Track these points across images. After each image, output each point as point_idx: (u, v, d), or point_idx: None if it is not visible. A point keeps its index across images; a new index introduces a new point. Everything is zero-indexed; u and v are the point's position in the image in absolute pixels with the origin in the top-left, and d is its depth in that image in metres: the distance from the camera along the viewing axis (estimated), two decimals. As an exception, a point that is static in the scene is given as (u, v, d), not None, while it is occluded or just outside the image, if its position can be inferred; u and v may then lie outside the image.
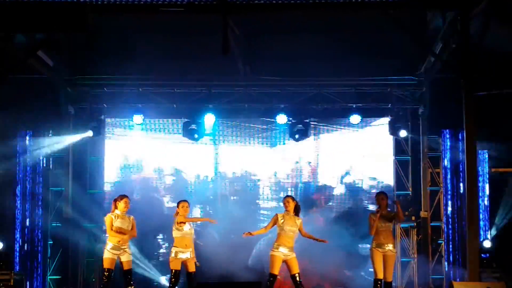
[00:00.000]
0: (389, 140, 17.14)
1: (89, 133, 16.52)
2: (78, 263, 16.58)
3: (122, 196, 12.67)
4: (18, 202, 16.67)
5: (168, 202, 17.66)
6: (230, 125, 17.70)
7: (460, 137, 16.51)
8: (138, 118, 16.55)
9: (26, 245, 16.65)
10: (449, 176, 16.85)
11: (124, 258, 12.40)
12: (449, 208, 16.73)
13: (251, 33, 15.18)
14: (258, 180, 17.85)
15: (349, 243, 16.12)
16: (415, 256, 16.63)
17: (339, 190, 17.54)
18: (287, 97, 16.66)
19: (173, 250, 12.43)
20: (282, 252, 12.25)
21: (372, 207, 16.84)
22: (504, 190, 16.74)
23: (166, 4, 13.19)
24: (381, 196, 12.71)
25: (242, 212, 17.15)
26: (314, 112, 16.81)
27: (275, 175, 17.85)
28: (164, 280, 16.68)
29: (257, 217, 17.47)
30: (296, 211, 12.51)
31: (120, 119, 17.51)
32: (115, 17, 14.47)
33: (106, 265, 12.38)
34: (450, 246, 16.62)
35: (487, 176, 16.79)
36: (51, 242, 16.68)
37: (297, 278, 12.27)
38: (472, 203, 13.06)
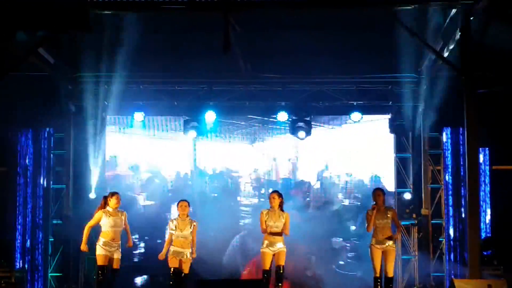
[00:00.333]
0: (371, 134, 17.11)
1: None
2: (79, 260, 16.57)
3: (113, 193, 12.82)
4: (19, 199, 16.66)
5: (145, 200, 17.61)
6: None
7: (461, 135, 16.52)
8: (139, 116, 16.55)
9: (27, 242, 16.66)
10: (450, 174, 16.84)
11: (116, 255, 12.52)
12: (450, 206, 16.72)
13: (252, 30, 15.14)
14: (239, 177, 17.80)
15: (323, 237, 16.15)
16: (416, 253, 16.63)
17: (316, 185, 17.60)
18: (288, 95, 16.66)
19: (171, 248, 12.52)
20: (269, 248, 12.41)
21: (347, 202, 17.00)
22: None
23: (167, 2, 13.21)
24: (378, 192, 12.74)
25: (222, 209, 17.13)
26: (315, 109, 16.80)
27: (255, 172, 17.80)
28: (139, 281, 16.67)
29: (237, 214, 17.34)
30: (281, 207, 12.61)
31: (121, 117, 17.53)
32: (117, 15, 14.47)
33: (99, 262, 12.56)
34: (451, 243, 16.61)
35: (488, 174, 16.78)
36: (52, 239, 16.70)
37: (280, 270, 12.42)
38: (473, 201, 13.08)
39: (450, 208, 16.70)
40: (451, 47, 14.08)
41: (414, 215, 16.71)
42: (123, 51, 16.01)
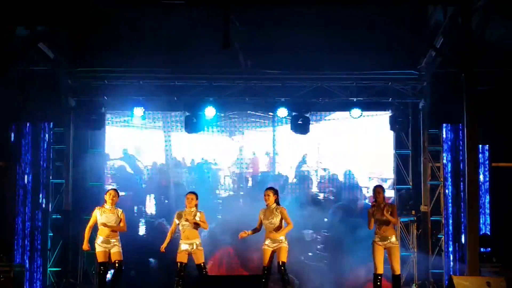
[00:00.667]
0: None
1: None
2: (78, 255, 16.57)
3: (108, 190, 12.85)
4: (18, 194, 16.67)
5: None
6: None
7: (460, 131, 16.52)
8: (138, 111, 16.55)
9: (26, 237, 16.67)
10: (449, 171, 16.84)
11: (115, 250, 12.55)
12: (449, 203, 16.72)
13: (252, 26, 15.15)
14: (218, 169, 17.73)
15: (294, 229, 16.25)
16: (415, 250, 16.63)
17: (293, 179, 17.61)
18: (288, 91, 16.65)
19: (180, 243, 12.56)
20: (268, 244, 12.44)
21: (322, 196, 17.11)
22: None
23: (167, -3, 13.20)
24: (378, 189, 12.75)
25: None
26: (314, 105, 16.80)
27: (234, 165, 17.73)
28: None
29: (215, 207, 17.26)
30: (277, 202, 12.62)
31: (120, 112, 17.53)
32: (116, 10, 14.47)
33: (99, 259, 12.63)
34: (450, 240, 16.62)
35: (488, 171, 16.78)
36: (51, 234, 16.71)
37: (281, 267, 12.38)
38: (472, 198, 13.09)
39: (449, 205, 16.71)
40: (451, 44, 14.06)
41: (413, 212, 16.73)
42: (123, 46, 16.04)
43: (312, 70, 16.43)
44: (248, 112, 17.40)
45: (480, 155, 16.37)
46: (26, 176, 16.83)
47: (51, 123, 16.95)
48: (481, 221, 16.06)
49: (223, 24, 12.61)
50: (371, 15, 14.73)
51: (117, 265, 12.60)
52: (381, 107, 17.03)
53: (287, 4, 14.28)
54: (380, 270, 12.59)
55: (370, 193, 17.00)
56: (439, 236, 16.67)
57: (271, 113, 17.29)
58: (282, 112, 16.52)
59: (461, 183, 16.52)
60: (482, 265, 13.59)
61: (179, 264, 12.51)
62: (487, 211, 16.69)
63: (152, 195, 17.45)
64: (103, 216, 12.64)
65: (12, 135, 16.82)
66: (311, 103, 16.71)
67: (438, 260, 16.48)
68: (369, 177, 17.41)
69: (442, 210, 16.75)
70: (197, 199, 12.79)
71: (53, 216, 16.75)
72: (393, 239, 12.49)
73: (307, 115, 16.56)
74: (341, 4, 14.27)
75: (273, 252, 12.47)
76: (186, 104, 16.69)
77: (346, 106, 16.74)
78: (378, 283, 12.56)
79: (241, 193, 17.55)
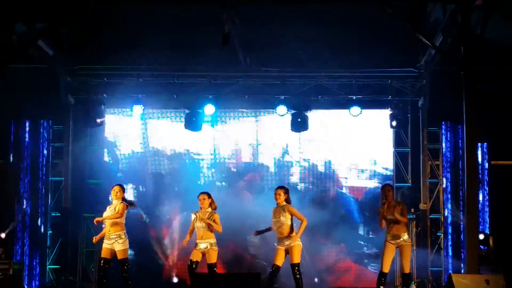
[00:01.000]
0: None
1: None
2: (77, 252, 16.59)
3: (113, 186, 12.89)
4: (17, 191, 16.67)
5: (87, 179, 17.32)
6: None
7: (460, 130, 16.52)
8: (138, 109, 16.53)
9: (25, 234, 16.67)
10: (448, 169, 16.86)
11: (117, 247, 12.56)
12: (449, 201, 16.73)
13: (252, 24, 15.14)
14: (200, 159, 17.63)
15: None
16: (414, 248, 16.60)
17: (273, 169, 17.59)
18: (288, 89, 16.65)
19: (196, 241, 12.66)
20: (280, 244, 12.40)
21: (302, 185, 17.12)
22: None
23: (167, -6, 13.20)
24: (387, 187, 12.84)
25: (178, 192, 17.14)
26: (314, 103, 16.78)
27: (217, 155, 17.60)
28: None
29: (196, 198, 17.21)
30: (288, 201, 12.60)
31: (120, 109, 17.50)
32: (116, 8, 14.47)
33: (101, 254, 12.63)
34: (449, 238, 16.63)
35: (487, 169, 16.78)
36: (51, 231, 16.71)
37: (296, 269, 12.31)
38: (472, 196, 13.09)
39: (449, 203, 16.72)
40: (451, 41, 14.06)
41: (412, 210, 16.71)
42: (123, 44, 16.03)
43: (312, 68, 16.42)
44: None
45: (479, 153, 16.37)
46: (25, 174, 16.83)
47: (50, 121, 16.97)
48: (480, 219, 16.05)
49: (222, 21, 12.61)
50: (371, 13, 14.72)
51: (123, 265, 12.65)
52: (380, 105, 17.00)
53: (286, 2, 14.28)
54: (386, 269, 12.65)
55: (350, 183, 17.34)
56: (438, 234, 16.68)
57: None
58: (282, 110, 16.50)
59: (460, 181, 16.53)
60: (481, 262, 13.58)
61: (190, 262, 12.60)
62: (486, 209, 16.69)
63: (130, 185, 17.33)
64: (107, 211, 12.72)
65: (11, 132, 16.82)
66: (310, 101, 16.71)
67: (437, 258, 16.48)
68: (349, 168, 17.42)
69: (441, 208, 16.75)
70: (209, 198, 12.82)
71: (52, 214, 16.75)
72: (406, 237, 12.58)
73: (307, 113, 16.55)
74: (341, 2, 14.27)
75: (286, 251, 12.42)
76: (185, 102, 16.67)
77: (345, 104, 16.72)
78: (383, 280, 12.60)
79: (223, 183, 17.49)
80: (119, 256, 12.64)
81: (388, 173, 17.35)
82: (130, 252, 13.65)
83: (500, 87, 16.17)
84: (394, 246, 12.57)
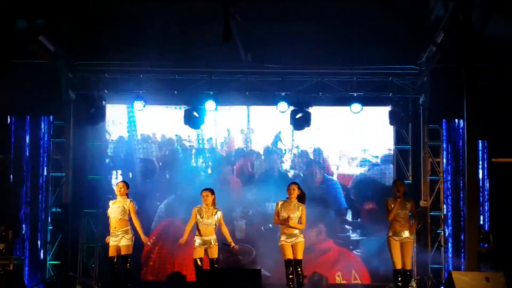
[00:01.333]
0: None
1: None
2: (77, 248, 16.61)
3: (117, 182, 12.94)
4: (18, 187, 16.67)
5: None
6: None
7: (460, 127, 16.52)
8: (138, 105, 16.52)
9: (26, 230, 16.69)
10: (449, 166, 16.86)
11: (123, 242, 12.59)
12: (449, 198, 16.74)
13: (253, 20, 15.14)
14: (192, 146, 17.60)
15: (259, 202, 16.56)
16: (414, 245, 16.60)
17: (264, 156, 17.62)
18: (288, 85, 16.64)
19: (196, 239, 12.68)
20: (285, 239, 12.44)
21: (293, 172, 17.15)
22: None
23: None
24: (400, 182, 12.92)
25: (170, 179, 17.20)
26: (315, 100, 16.77)
27: (208, 142, 17.57)
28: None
29: (187, 186, 17.09)
30: (299, 199, 12.63)
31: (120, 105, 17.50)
32: (116, 4, 14.46)
33: (109, 253, 12.68)
34: (450, 235, 16.64)
35: (487, 166, 16.78)
36: (51, 227, 16.72)
37: (298, 266, 12.36)
38: (472, 193, 13.10)
39: (449, 200, 16.72)
40: (452, 39, 14.05)
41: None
42: (124, 40, 16.02)
43: (313, 64, 16.42)
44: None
45: (480, 151, 16.38)
46: (25, 169, 16.84)
47: (51, 116, 16.97)
48: (480, 217, 16.07)
49: (223, 17, 12.59)
50: (372, 10, 14.72)
51: (126, 261, 12.69)
52: (381, 102, 17.00)
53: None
54: (399, 266, 12.71)
55: (341, 171, 17.42)
56: (438, 231, 16.68)
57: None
58: (282, 106, 16.50)
59: (461, 178, 16.54)
60: (481, 260, 13.60)
61: (196, 260, 12.66)
62: (486, 206, 16.70)
63: (119, 171, 17.32)
64: (111, 207, 12.77)
65: (12, 128, 16.82)
66: (311, 98, 16.70)
67: (437, 255, 16.48)
68: (339, 156, 17.47)
69: (442, 205, 16.76)
70: (212, 194, 12.86)
71: (53, 210, 16.75)
72: (408, 234, 12.62)
73: (307, 109, 16.54)
74: (342, -1, 14.31)
75: (292, 246, 12.49)
76: (186, 98, 16.66)
77: (346, 101, 16.71)
78: (400, 278, 12.65)
79: (212, 170, 17.49)
80: (124, 252, 12.69)
81: (378, 161, 17.41)
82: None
83: (501, 84, 16.17)
84: (398, 242, 12.61)
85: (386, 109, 16.72)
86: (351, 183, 17.50)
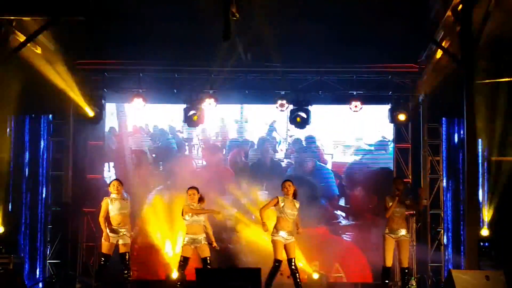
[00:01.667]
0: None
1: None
2: (77, 247, 16.61)
3: (111, 181, 12.92)
4: (18, 186, 16.67)
5: None
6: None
7: (460, 125, 16.52)
8: (138, 103, 16.51)
9: (25, 229, 16.69)
10: (449, 164, 16.86)
11: (123, 241, 12.55)
12: (449, 196, 16.74)
13: (253, 19, 15.12)
14: (186, 138, 17.57)
15: (251, 191, 16.59)
16: (414, 244, 16.63)
17: (258, 145, 17.62)
18: (288, 84, 16.65)
19: (185, 237, 12.62)
20: (283, 236, 12.35)
21: (285, 162, 17.29)
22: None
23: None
24: (399, 180, 12.93)
25: (163, 173, 17.18)
26: (314, 98, 16.77)
27: (202, 132, 17.51)
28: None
29: (179, 178, 17.14)
30: (295, 195, 12.58)
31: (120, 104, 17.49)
32: (116, 2, 14.45)
33: (103, 249, 12.62)
34: (450, 234, 16.64)
35: (487, 164, 16.77)
36: (51, 226, 16.72)
37: (293, 263, 12.31)
38: (472, 192, 13.10)
39: (449, 199, 16.72)
40: (451, 37, 14.04)
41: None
42: (123, 39, 16.00)
43: (312, 63, 16.42)
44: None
45: (479, 149, 16.36)
46: (25, 168, 16.83)
47: (51, 115, 16.96)
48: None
49: (223, 16, 12.58)
50: (371, 8, 14.69)
51: (125, 259, 12.66)
52: (381, 101, 17.00)
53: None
54: (389, 263, 12.69)
55: (336, 159, 17.40)
56: (438, 229, 16.68)
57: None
58: (282, 105, 16.49)
59: (461, 177, 16.53)
60: (481, 258, 13.60)
61: (183, 258, 12.60)
62: (486, 204, 16.67)
63: (111, 164, 17.30)
64: (115, 203, 12.68)
65: (12, 127, 16.81)
66: (311, 96, 16.70)
67: (437, 254, 16.49)
68: (334, 145, 17.47)
69: (442, 203, 16.76)
70: (198, 193, 12.85)
71: (53, 208, 16.75)
72: (405, 232, 12.62)
73: (307, 107, 16.53)
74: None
75: (285, 245, 12.38)
76: (185, 97, 16.65)
77: (346, 100, 16.71)
78: (387, 275, 12.66)
79: (206, 161, 17.48)
80: (123, 250, 12.64)
81: (372, 148, 17.40)
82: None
83: (500, 82, 16.14)
84: (394, 240, 12.61)
85: (386, 107, 16.72)
86: (344, 170, 17.49)
